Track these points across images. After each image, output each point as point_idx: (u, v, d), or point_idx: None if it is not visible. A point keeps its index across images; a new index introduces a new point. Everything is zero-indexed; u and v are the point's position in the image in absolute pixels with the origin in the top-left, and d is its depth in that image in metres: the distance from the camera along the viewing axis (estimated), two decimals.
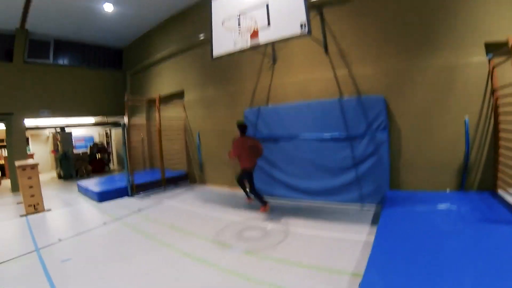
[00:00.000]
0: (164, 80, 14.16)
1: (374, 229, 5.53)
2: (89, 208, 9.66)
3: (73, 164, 16.74)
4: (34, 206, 9.19)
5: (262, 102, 9.57)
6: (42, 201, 9.39)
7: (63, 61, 15.62)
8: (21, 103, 13.65)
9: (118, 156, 20.52)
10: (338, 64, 8.03)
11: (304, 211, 7.63)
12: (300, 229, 6.49)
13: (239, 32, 7.10)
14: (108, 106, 17.01)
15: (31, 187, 9.11)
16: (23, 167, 9.09)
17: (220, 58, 7.83)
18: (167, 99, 13.00)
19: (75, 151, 17.69)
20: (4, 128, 13.67)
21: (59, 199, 11.27)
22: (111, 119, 18.54)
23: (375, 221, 6.36)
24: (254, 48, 7.22)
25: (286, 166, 8.68)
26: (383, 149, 7.30)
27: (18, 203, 10.61)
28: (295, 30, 6.46)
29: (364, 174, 7.54)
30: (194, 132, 12.37)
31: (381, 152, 7.32)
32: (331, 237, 5.95)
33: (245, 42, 7.08)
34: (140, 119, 14.93)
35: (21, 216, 8.91)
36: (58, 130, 17.32)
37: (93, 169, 17.90)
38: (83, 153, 17.82)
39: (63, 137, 16.86)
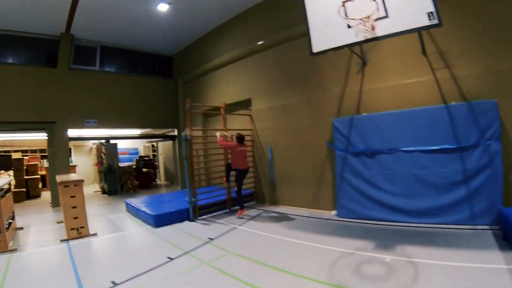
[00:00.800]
0: (225, 88, 12.39)
1: (509, 255, 4.69)
2: (144, 235, 7.70)
3: (119, 179, 15.06)
4: (78, 230, 7.35)
5: (351, 110, 8.11)
6: (87, 224, 7.54)
7: (110, 68, 14.18)
8: (64, 112, 12.29)
9: (166, 171, 18.88)
10: (437, 65, 6.83)
11: (415, 236, 6.11)
12: (425, 259, 4.88)
13: (348, 23, 5.85)
14: (157, 117, 15.25)
15: (74, 207, 7.30)
16: (66, 184, 7.30)
17: (324, 53, 6.45)
18: (229, 109, 10.99)
19: (120, 164, 15.98)
20: (46, 137, 12.20)
21: (105, 220, 9.46)
22: (159, 131, 16.78)
23: (502, 245, 5.13)
24: (369, 41, 5.94)
25: (385, 184, 7.29)
26: (497, 160, 6.11)
27: (58, 223, 8.93)
28: (421, 21, 5.26)
29: (477, 189, 6.28)
30: (264, 146, 10.59)
31: (495, 164, 6.12)
32: (466, 267, 4.49)
33: (359, 34, 5.78)
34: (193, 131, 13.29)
35: (62, 241, 7.12)
36: (103, 141, 15.68)
37: (140, 185, 16.17)
38: (129, 167, 16.02)
39: (108, 149, 15.23)
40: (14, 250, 6.61)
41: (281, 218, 8.49)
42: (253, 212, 9.34)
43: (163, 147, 19.22)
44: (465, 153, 6.37)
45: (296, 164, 9.52)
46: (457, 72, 6.59)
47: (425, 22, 5.20)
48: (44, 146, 18.40)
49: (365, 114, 7.76)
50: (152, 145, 20.57)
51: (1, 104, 11.00)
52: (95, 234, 7.58)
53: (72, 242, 7.03)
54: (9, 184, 8.33)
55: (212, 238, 6.94)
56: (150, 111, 14.90)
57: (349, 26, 5.85)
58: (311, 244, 6.13)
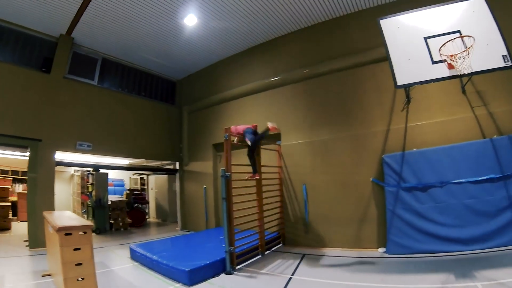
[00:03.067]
0: (245, 119, 10.36)
1: None
2: None
3: (108, 215, 12.25)
4: None
5: (397, 147, 7.82)
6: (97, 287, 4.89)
7: (109, 85, 11.55)
8: (53, 129, 9.46)
9: (158, 207, 16.21)
10: (476, 103, 7.21)
11: (479, 261, 5.97)
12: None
13: (434, 59, 6.07)
14: (158, 148, 12.69)
15: (79, 264, 4.66)
16: (67, 230, 4.66)
17: (409, 86, 6.40)
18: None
19: (110, 197, 13.20)
20: (27, 158, 9.30)
21: (110, 274, 6.61)
22: (155, 163, 14.23)
23: None
24: (454, 78, 6.01)
25: (438, 216, 7.18)
26: None
27: (44, 275, 6.13)
28: (498, 62, 5.63)
29: None
30: (295, 184, 9.31)
31: None
32: None
33: (444, 70, 5.94)
34: (196, 165, 12.44)
35: None
36: (90, 170, 12.94)
37: (132, 222, 13.31)
38: (120, 201, 13.19)
39: (97, 179, 12.42)
40: None
41: (330, 261, 7.35)
42: (288, 256, 7.84)
43: (156, 180, 16.61)
44: (509, 180, 6.65)
45: (334, 202, 8.59)
46: (493, 109, 6.99)
47: (501, 63, 5.54)
48: (18, 167, 15.35)
49: (415, 149, 7.57)
50: (141, 177, 17.77)
51: None
52: None
53: None
54: None
55: None
56: (151, 140, 12.37)
57: (433, 62, 5.97)
58: (392, 285, 5.27)
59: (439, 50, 5.85)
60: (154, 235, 11.62)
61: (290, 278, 6.02)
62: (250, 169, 7.83)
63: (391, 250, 7.47)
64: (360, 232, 8.16)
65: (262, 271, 6.58)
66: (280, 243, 9.12)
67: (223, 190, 6.93)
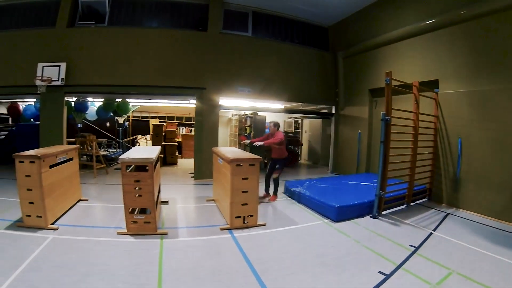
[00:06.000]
0: (402, 64, 10.10)
1: None
2: (328, 233, 5.94)
3: (264, 154, 13.68)
4: (244, 219, 5.91)
5: None
6: (257, 212, 6.09)
7: (263, 35, 12.59)
8: (214, 78, 11.14)
9: (310, 150, 17.32)
10: None
11: None
12: None
13: None
14: (313, 92, 13.36)
15: (245, 191, 5.86)
16: (238, 162, 5.84)
17: None
18: (399, 91, 8.12)
19: None
20: (190, 105, 11.79)
21: (265, 205, 7.86)
22: (311, 107, 14.97)
23: None
24: None
25: None
26: None
27: (208, 200, 8.00)
28: None
29: None
30: (452, 136, 8.48)
31: None
32: None
33: None
34: (352, 110, 12.72)
35: (223, 229, 5.79)
36: (249, 113, 14.46)
37: None
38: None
39: (255, 122, 13.89)
40: (165, 234, 5.45)
41: (473, 226, 6.70)
42: (434, 213, 7.69)
43: (310, 124, 17.57)
44: None
45: (489, 164, 7.53)
46: None
47: None
48: (181, 113, 19.26)
49: None
50: (295, 121, 18.99)
51: (149, 67, 10.64)
52: (263, 225, 6.10)
53: (237, 233, 5.64)
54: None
55: (415, 246, 5.36)
56: (305, 84, 13.08)
57: None
58: None
59: None
60: (305, 175, 12.75)
61: (431, 233, 6.09)
62: (408, 115, 8.05)
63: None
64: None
65: (405, 221, 6.79)
66: (425, 198, 8.90)
67: (382, 133, 7.06)
